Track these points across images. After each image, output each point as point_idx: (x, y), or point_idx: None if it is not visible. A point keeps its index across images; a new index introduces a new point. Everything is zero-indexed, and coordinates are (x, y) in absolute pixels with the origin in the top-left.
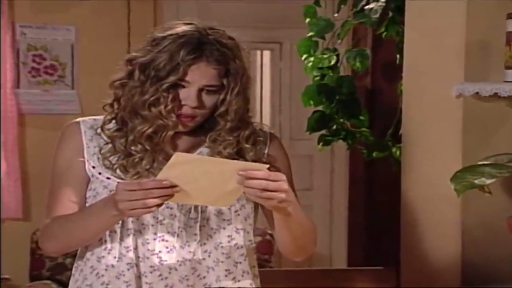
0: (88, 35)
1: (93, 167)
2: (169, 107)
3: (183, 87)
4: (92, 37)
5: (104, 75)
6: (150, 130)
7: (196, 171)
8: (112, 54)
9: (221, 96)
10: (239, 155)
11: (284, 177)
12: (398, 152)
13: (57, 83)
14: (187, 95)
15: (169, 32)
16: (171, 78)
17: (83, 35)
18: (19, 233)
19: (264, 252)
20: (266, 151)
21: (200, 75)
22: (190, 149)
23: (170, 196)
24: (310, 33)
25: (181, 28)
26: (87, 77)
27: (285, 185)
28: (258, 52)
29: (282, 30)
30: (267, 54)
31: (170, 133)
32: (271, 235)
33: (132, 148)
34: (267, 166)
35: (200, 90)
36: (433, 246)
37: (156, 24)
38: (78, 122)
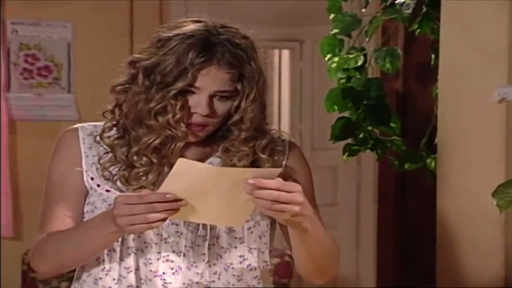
0: (87, 32)
1: (92, 179)
2: (178, 116)
3: (193, 93)
4: (91, 35)
5: (104, 78)
6: (157, 141)
7: (204, 182)
8: (113, 54)
9: (235, 103)
10: (254, 166)
11: (299, 187)
12: (433, 164)
13: (52, 86)
14: (197, 102)
15: (175, 32)
16: (179, 84)
17: (81, 32)
18: (9, 253)
19: (282, 275)
20: (284, 162)
21: (211, 80)
22: (200, 160)
23: (175, 210)
24: (335, 30)
25: (189, 27)
26: (85, 80)
27: (299, 197)
28: (276, 52)
29: (302, 26)
30: (285, 53)
31: (180, 144)
32: (290, 256)
33: (136, 159)
34: (280, 170)
35: (212, 97)
36: (472, 267)
37: (163, 20)
38: (76, 129)
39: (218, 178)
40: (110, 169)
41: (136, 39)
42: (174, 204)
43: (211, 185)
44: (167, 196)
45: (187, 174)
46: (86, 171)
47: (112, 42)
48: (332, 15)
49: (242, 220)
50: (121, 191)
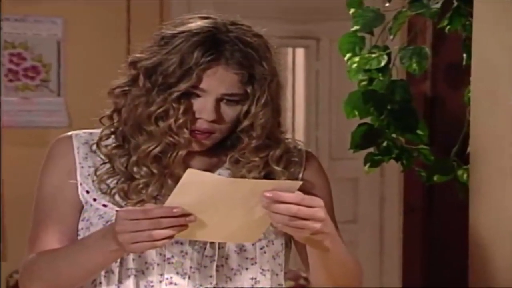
0: (79, 29)
1: (87, 192)
2: (181, 121)
3: (198, 96)
4: (84, 32)
5: (98, 79)
6: (157, 149)
7: (215, 195)
8: (108, 53)
9: (245, 107)
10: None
11: (321, 202)
12: (465, 176)
13: (39, 89)
14: (203, 106)
15: (180, 29)
16: (183, 86)
17: (73, 29)
18: None
19: None
20: (301, 175)
21: (218, 81)
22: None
23: (184, 227)
24: (355, 27)
25: (196, 24)
26: (77, 82)
27: (321, 213)
28: (289, 50)
29: (319, 23)
30: (300, 52)
31: (182, 153)
32: (306, 279)
33: (136, 170)
34: (300, 183)
35: (219, 100)
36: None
37: (163, 15)
38: (70, 137)
39: (231, 190)
40: (108, 181)
41: (133, 37)
42: (182, 220)
43: (223, 198)
44: (174, 210)
45: (196, 186)
46: (81, 184)
47: (107, 40)
48: (352, 10)
49: (256, 236)
50: (120, 206)
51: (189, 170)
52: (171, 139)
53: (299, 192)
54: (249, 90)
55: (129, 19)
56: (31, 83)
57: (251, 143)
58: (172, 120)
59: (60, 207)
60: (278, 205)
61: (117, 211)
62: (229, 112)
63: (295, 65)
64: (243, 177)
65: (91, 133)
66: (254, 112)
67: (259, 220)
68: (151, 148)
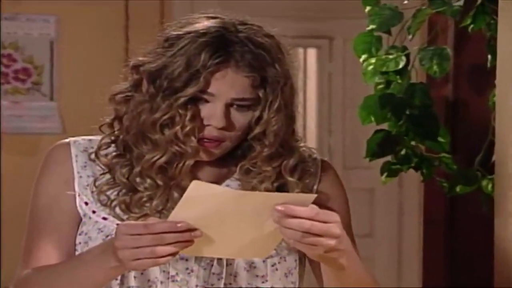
0: (74, 28)
1: (86, 204)
2: (188, 128)
3: (206, 101)
4: (79, 31)
5: (94, 82)
6: (162, 159)
7: (223, 208)
8: (105, 54)
9: (256, 113)
10: (280, 191)
11: (337, 217)
12: (489, 186)
13: (31, 93)
14: (211, 112)
15: (186, 29)
16: (190, 90)
17: (67, 28)
18: None
19: None
20: (316, 187)
21: (228, 85)
22: (214, 182)
23: (189, 243)
24: (371, 26)
25: (202, 24)
26: (72, 85)
27: (336, 229)
28: (300, 51)
29: (332, 21)
30: (312, 53)
31: (189, 163)
32: None
33: (139, 182)
34: (314, 196)
35: (228, 106)
36: None
37: (164, 13)
38: (68, 144)
39: (240, 203)
40: (108, 193)
41: (132, 37)
42: (187, 235)
43: (232, 212)
44: (179, 225)
45: (202, 199)
46: (79, 195)
47: (104, 39)
48: (368, 8)
49: (267, 252)
50: (121, 219)
51: (194, 182)
52: (177, 148)
53: (314, 206)
54: (261, 94)
55: (127, 17)
56: (21, 86)
57: (263, 151)
58: (178, 128)
59: (56, 219)
60: (290, 219)
61: (117, 224)
62: (240, 118)
63: (307, 66)
64: (254, 188)
65: (90, 140)
66: (267, 118)
67: (270, 235)
68: (156, 158)
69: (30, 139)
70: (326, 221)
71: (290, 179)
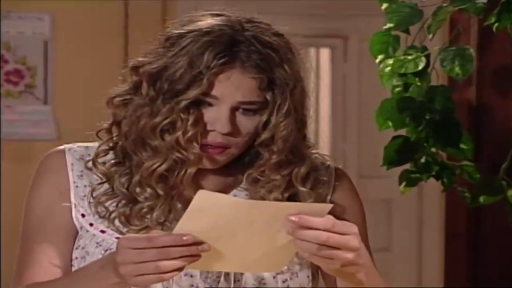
0: (69, 27)
1: (83, 216)
2: (190, 133)
3: (210, 105)
4: (75, 30)
5: (91, 85)
6: (163, 167)
7: (232, 219)
8: (103, 54)
9: (264, 117)
10: (289, 201)
11: (355, 229)
12: None
13: (23, 96)
14: (215, 116)
15: (188, 28)
16: (192, 93)
17: (62, 27)
18: None
19: None
20: (329, 197)
21: (233, 87)
22: (220, 192)
23: (196, 257)
24: (388, 24)
25: (206, 22)
26: (67, 88)
27: (354, 241)
28: (313, 51)
29: (347, 19)
30: (325, 53)
31: (192, 171)
32: None
33: (138, 191)
34: (331, 206)
35: (234, 109)
36: None
37: (166, 12)
38: (63, 151)
39: (251, 214)
40: (106, 204)
41: (132, 36)
42: (194, 249)
43: (241, 223)
44: (185, 238)
45: (209, 210)
46: (75, 206)
47: (102, 39)
48: (385, 5)
49: (280, 266)
50: (120, 232)
51: (200, 192)
52: (179, 155)
53: (330, 216)
54: (268, 97)
55: (127, 15)
56: (13, 89)
57: (271, 158)
58: (180, 133)
59: (51, 233)
60: (305, 231)
61: (117, 238)
62: (246, 123)
63: (319, 68)
64: (262, 198)
65: (87, 147)
66: (275, 122)
67: (282, 248)
68: (156, 165)
69: (23, 146)
70: (343, 232)
71: (301, 188)
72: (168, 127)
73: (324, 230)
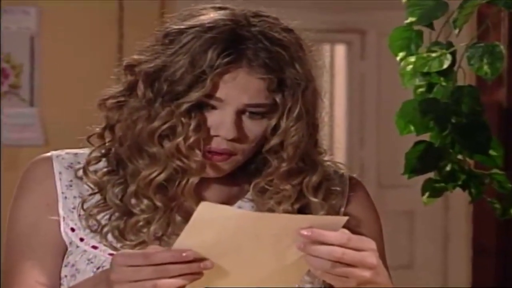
0: (58, 21)
1: (72, 230)
2: (192, 139)
3: (213, 108)
4: (64, 25)
5: (82, 85)
6: (162, 176)
7: (238, 234)
8: (95, 51)
9: (273, 122)
10: (300, 213)
11: (373, 244)
12: None
13: (7, 97)
14: (220, 120)
15: (189, 23)
16: (194, 95)
17: (50, 21)
18: None
19: None
20: (343, 209)
21: (239, 89)
22: (224, 204)
23: (197, 275)
24: (410, 19)
25: (209, 16)
26: (55, 88)
27: (372, 258)
28: (327, 47)
29: (364, 12)
30: (340, 50)
31: (194, 180)
32: None
33: (134, 203)
34: (346, 219)
35: (240, 113)
36: None
37: (164, 5)
38: (50, 158)
39: (258, 227)
40: (98, 217)
41: (127, 31)
42: (195, 266)
43: (248, 238)
44: (185, 254)
45: (213, 224)
46: (64, 219)
47: (94, 35)
48: None
49: (290, 285)
50: (114, 248)
51: (203, 204)
52: (179, 163)
53: (345, 230)
54: (278, 99)
55: (121, 9)
56: None
57: (280, 166)
58: (180, 139)
59: (38, 250)
60: (318, 246)
61: (110, 254)
62: (253, 127)
63: (334, 66)
64: (270, 210)
65: (76, 154)
66: (285, 127)
67: (293, 265)
68: (154, 175)
69: (6, 152)
70: (360, 248)
71: (313, 199)
72: (168, 133)
73: (338, 246)
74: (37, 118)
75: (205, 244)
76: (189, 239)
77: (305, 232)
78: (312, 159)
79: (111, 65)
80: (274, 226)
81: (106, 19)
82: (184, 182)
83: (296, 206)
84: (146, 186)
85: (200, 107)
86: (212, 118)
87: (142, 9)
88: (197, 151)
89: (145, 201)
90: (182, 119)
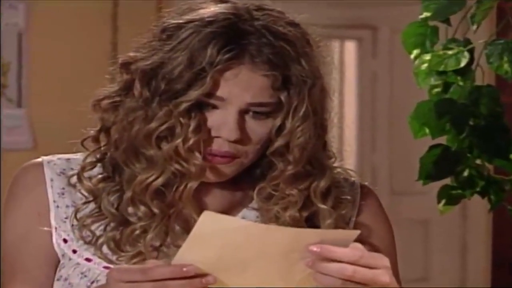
0: (47, 16)
1: (65, 241)
2: (192, 141)
3: (214, 107)
4: (54, 20)
5: (74, 84)
6: (159, 181)
7: (242, 247)
8: (87, 48)
9: (277, 122)
10: (308, 222)
11: (386, 261)
12: None
13: None
14: (221, 120)
15: (188, 17)
16: (194, 94)
17: (39, 16)
18: None
19: None
20: (354, 219)
21: (242, 87)
22: (226, 213)
23: None
24: (425, 14)
25: (208, 10)
26: (45, 88)
27: (385, 276)
28: (337, 44)
29: (377, 7)
30: (351, 46)
31: (193, 185)
32: None
33: (130, 211)
34: (357, 233)
35: (243, 112)
36: None
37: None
38: (40, 164)
39: (264, 241)
40: (93, 227)
41: (121, 27)
42: (197, 282)
43: (253, 252)
44: (185, 269)
45: (216, 236)
46: (56, 230)
47: (86, 31)
48: None
49: None
50: (109, 260)
51: (205, 213)
52: (178, 166)
53: (358, 245)
54: (283, 98)
55: (116, 3)
56: None
57: (286, 170)
58: (179, 141)
59: (28, 262)
60: (328, 263)
61: (105, 267)
62: (257, 128)
63: (344, 64)
64: (276, 217)
65: (68, 160)
66: (291, 127)
67: (300, 283)
68: (152, 179)
69: None
70: (373, 266)
71: (321, 206)
72: (166, 134)
73: (350, 263)
74: (25, 120)
75: (208, 258)
76: (190, 252)
77: (314, 249)
78: (321, 162)
79: (104, 63)
80: (282, 240)
81: (100, 14)
82: (183, 187)
83: (304, 213)
84: (142, 191)
85: (200, 106)
86: (213, 118)
87: (137, 4)
88: (197, 154)
89: (142, 208)
90: (181, 119)
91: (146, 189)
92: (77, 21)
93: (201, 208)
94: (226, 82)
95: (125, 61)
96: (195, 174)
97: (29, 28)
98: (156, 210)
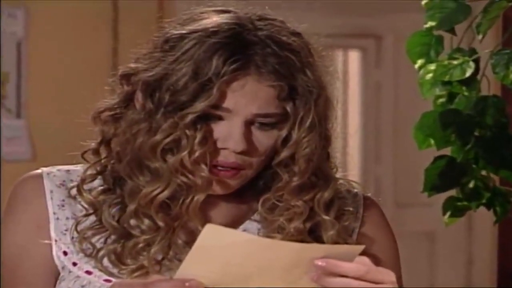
0: (48, 24)
1: (65, 254)
2: (197, 153)
3: (220, 119)
4: (53, 29)
5: (73, 94)
6: (165, 194)
7: (246, 262)
8: (88, 56)
9: (283, 132)
10: (311, 234)
11: (392, 276)
12: None
13: None
14: (228, 132)
15: (191, 27)
16: (199, 105)
17: (38, 25)
18: None
19: None
20: (357, 231)
21: (248, 98)
22: (230, 225)
23: None
24: (430, 23)
25: (211, 20)
26: (44, 99)
27: None
28: (340, 53)
29: (381, 16)
30: (354, 56)
31: (199, 198)
32: None
33: (133, 224)
34: (361, 248)
35: (249, 124)
36: None
37: (162, 6)
38: (40, 176)
39: (268, 255)
40: (93, 240)
41: (122, 35)
42: None
43: (257, 266)
44: (188, 284)
45: (219, 250)
46: (56, 242)
47: (87, 39)
48: (425, 0)
49: None
50: (110, 273)
51: (208, 226)
52: (184, 179)
53: (364, 259)
54: (289, 108)
55: (116, 9)
56: None
57: (292, 181)
58: (185, 153)
59: (27, 275)
60: (333, 278)
61: (106, 280)
62: (263, 139)
63: (347, 73)
64: (280, 228)
65: (68, 171)
66: (296, 138)
67: None
68: (157, 192)
69: None
70: (378, 281)
71: (324, 217)
72: (171, 146)
73: (355, 278)
74: (24, 131)
75: (210, 273)
76: (193, 266)
77: (319, 263)
78: (325, 173)
79: (105, 72)
80: (286, 254)
81: (100, 21)
82: (188, 200)
83: (308, 224)
84: (147, 205)
85: (206, 118)
86: (219, 129)
87: (138, 9)
88: (203, 166)
89: (146, 221)
90: (187, 131)
91: (151, 202)
92: (77, 29)
93: (206, 221)
94: (232, 93)
95: (126, 73)
96: (201, 186)
97: (28, 36)
98: (161, 223)
